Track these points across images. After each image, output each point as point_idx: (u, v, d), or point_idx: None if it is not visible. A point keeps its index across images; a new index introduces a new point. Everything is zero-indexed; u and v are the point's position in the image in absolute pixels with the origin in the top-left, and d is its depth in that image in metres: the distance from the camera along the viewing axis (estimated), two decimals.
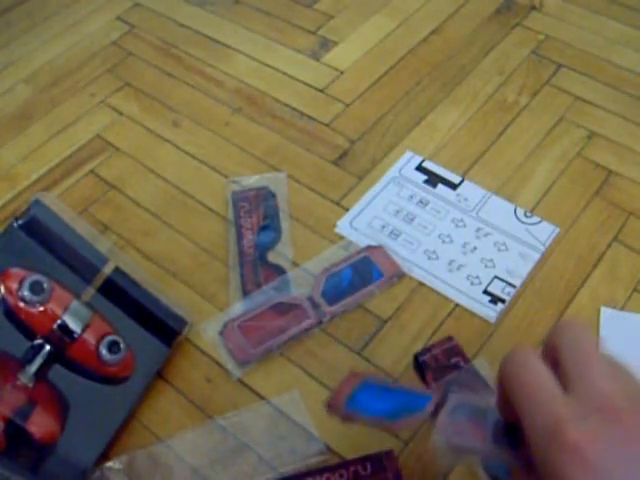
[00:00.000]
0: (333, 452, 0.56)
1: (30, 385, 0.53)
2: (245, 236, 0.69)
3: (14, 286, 0.54)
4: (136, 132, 0.81)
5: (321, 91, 0.85)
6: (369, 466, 0.53)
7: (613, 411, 0.34)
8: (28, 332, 0.54)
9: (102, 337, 0.56)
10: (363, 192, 0.73)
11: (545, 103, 0.82)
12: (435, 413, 0.47)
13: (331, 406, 0.52)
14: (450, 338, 0.61)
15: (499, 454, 0.39)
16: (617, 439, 0.33)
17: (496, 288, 0.65)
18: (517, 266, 0.67)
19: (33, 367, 0.53)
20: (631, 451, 0.32)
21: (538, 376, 0.36)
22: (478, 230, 0.70)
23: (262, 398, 0.59)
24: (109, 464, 0.55)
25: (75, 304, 0.55)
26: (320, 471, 0.54)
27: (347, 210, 0.72)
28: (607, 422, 0.33)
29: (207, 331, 0.63)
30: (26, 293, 0.54)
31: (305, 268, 0.67)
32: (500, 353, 0.61)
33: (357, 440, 0.56)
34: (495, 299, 0.64)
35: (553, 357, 0.37)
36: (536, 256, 0.68)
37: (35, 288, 0.54)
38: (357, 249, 0.68)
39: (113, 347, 0.56)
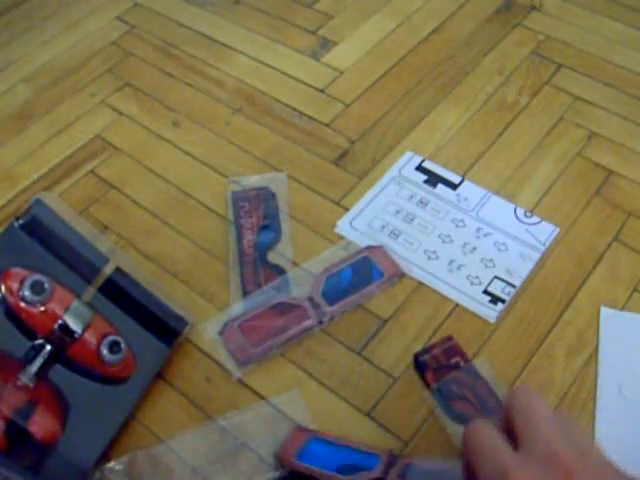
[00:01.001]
0: None
1: (31, 385, 0.53)
2: (245, 236, 0.69)
3: (15, 286, 0.54)
4: (136, 132, 0.81)
5: (321, 91, 0.85)
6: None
7: (555, 455, 0.38)
8: (29, 332, 0.54)
9: (103, 337, 0.56)
10: (363, 192, 0.74)
11: (545, 103, 0.82)
12: (385, 473, 0.50)
13: (281, 459, 0.53)
14: (450, 338, 0.61)
15: None
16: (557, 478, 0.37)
17: (496, 288, 0.65)
18: (517, 266, 0.67)
19: (34, 367, 0.53)
20: None
21: (491, 438, 0.42)
22: (478, 230, 0.70)
23: (262, 398, 0.59)
24: (109, 465, 0.55)
25: (76, 304, 0.56)
26: None
27: (347, 210, 0.72)
28: (549, 464, 0.37)
29: (207, 331, 0.63)
30: (27, 293, 0.54)
31: (305, 268, 0.67)
32: (500, 353, 0.61)
33: (357, 441, 0.56)
34: (495, 299, 0.65)
35: (509, 421, 0.43)
36: (536, 256, 0.68)
37: (36, 288, 0.54)
38: (357, 249, 0.68)
39: (114, 347, 0.56)
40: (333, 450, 0.54)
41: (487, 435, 0.42)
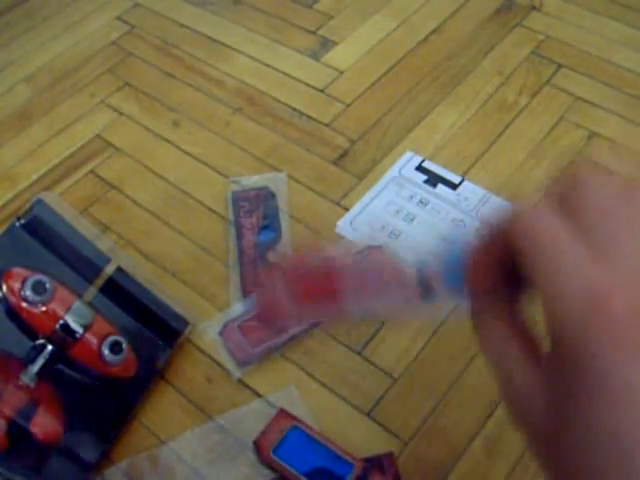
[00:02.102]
0: None
1: (32, 385, 0.53)
2: (245, 236, 0.69)
3: (16, 286, 0.54)
4: (136, 132, 0.82)
5: (321, 91, 0.85)
6: (369, 467, 0.53)
7: None
8: (30, 332, 0.54)
9: (104, 337, 0.56)
10: (363, 192, 0.74)
11: (545, 103, 0.82)
12: None
13: (259, 447, 0.54)
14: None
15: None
16: None
17: None
18: None
19: (35, 367, 0.53)
20: None
21: (564, 243, 0.27)
22: (478, 230, 0.70)
23: (262, 398, 0.59)
24: (110, 468, 0.55)
25: (77, 304, 0.56)
26: None
27: (347, 210, 0.72)
28: None
29: (207, 331, 0.63)
30: (28, 293, 0.54)
31: None
32: None
33: (357, 441, 0.56)
34: None
35: (567, 209, 0.28)
36: None
37: (37, 288, 0.54)
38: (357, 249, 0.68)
39: (115, 347, 0.56)
40: (311, 448, 0.54)
41: (553, 229, 0.27)
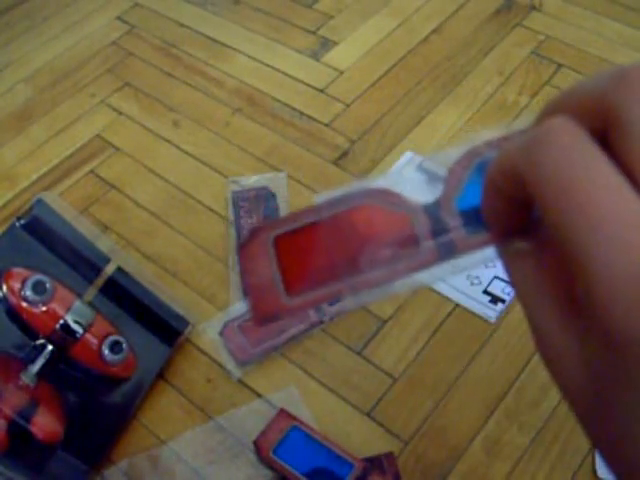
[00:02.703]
0: None
1: (32, 385, 0.53)
2: None
3: (17, 286, 0.54)
4: (136, 132, 0.82)
5: (321, 91, 0.85)
6: (369, 468, 0.53)
7: None
8: (30, 332, 0.54)
9: (104, 337, 0.56)
10: None
11: (545, 103, 0.82)
12: None
13: (259, 447, 0.54)
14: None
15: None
16: None
17: (496, 288, 0.65)
18: None
19: (35, 367, 0.53)
20: None
21: (608, 187, 0.19)
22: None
23: (262, 398, 0.59)
24: (110, 468, 0.55)
25: (77, 304, 0.56)
26: None
27: None
28: None
29: (207, 331, 0.63)
30: (29, 293, 0.54)
31: None
32: (500, 353, 0.61)
33: (357, 441, 0.56)
34: (495, 299, 0.65)
35: (606, 134, 0.20)
36: None
37: (38, 288, 0.54)
38: None
39: (115, 347, 0.56)
40: (311, 448, 0.54)
41: (596, 174, 0.19)
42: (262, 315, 0.27)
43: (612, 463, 0.22)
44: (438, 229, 0.26)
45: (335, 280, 0.26)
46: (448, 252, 0.26)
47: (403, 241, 0.26)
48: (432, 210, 0.26)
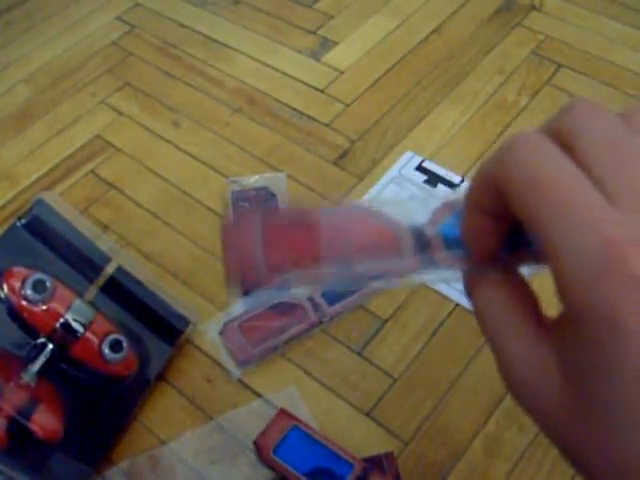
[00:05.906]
0: None
1: (33, 384, 0.53)
2: None
3: (17, 285, 0.54)
4: (136, 132, 0.82)
5: (321, 91, 0.85)
6: (369, 468, 0.53)
7: None
8: (31, 331, 0.54)
9: (105, 336, 0.56)
10: (363, 192, 0.74)
11: (545, 103, 0.82)
12: None
13: (259, 447, 0.54)
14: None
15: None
16: None
17: None
18: None
19: (36, 366, 0.53)
20: None
21: (568, 177, 0.22)
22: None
23: (262, 398, 0.59)
24: (111, 469, 0.55)
25: (78, 303, 0.56)
26: None
27: None
28: None
29: (207, 331, 0.63)
30: (29, 292, 0.54)
31: None
32: None
33: (357, 441, 0.56)
34: None
35: (565, 141, 0.24)
36: None
37: (38, 287, 0.54)
38: None
39: (116, 346, 0.56)
40: (311, 448, 0.54)
41: (559, 165, 0.22)
42: (239, 282, 0.30)
43: (603, 470, 0.22)
44: (421, 245, 0.29)
45: (314, 266, 0.29)
46: (429, 264, 0.28)
47: (387, 248, 0.29)
48: (416, 230, 0.29)
